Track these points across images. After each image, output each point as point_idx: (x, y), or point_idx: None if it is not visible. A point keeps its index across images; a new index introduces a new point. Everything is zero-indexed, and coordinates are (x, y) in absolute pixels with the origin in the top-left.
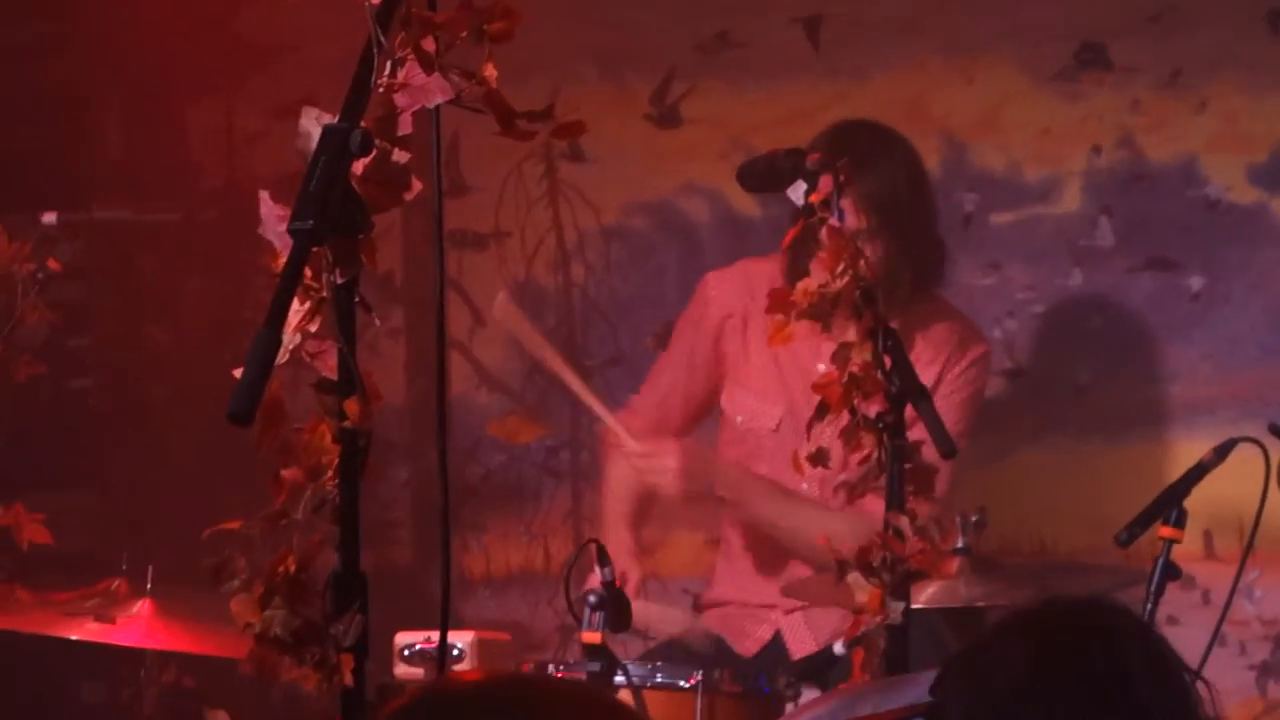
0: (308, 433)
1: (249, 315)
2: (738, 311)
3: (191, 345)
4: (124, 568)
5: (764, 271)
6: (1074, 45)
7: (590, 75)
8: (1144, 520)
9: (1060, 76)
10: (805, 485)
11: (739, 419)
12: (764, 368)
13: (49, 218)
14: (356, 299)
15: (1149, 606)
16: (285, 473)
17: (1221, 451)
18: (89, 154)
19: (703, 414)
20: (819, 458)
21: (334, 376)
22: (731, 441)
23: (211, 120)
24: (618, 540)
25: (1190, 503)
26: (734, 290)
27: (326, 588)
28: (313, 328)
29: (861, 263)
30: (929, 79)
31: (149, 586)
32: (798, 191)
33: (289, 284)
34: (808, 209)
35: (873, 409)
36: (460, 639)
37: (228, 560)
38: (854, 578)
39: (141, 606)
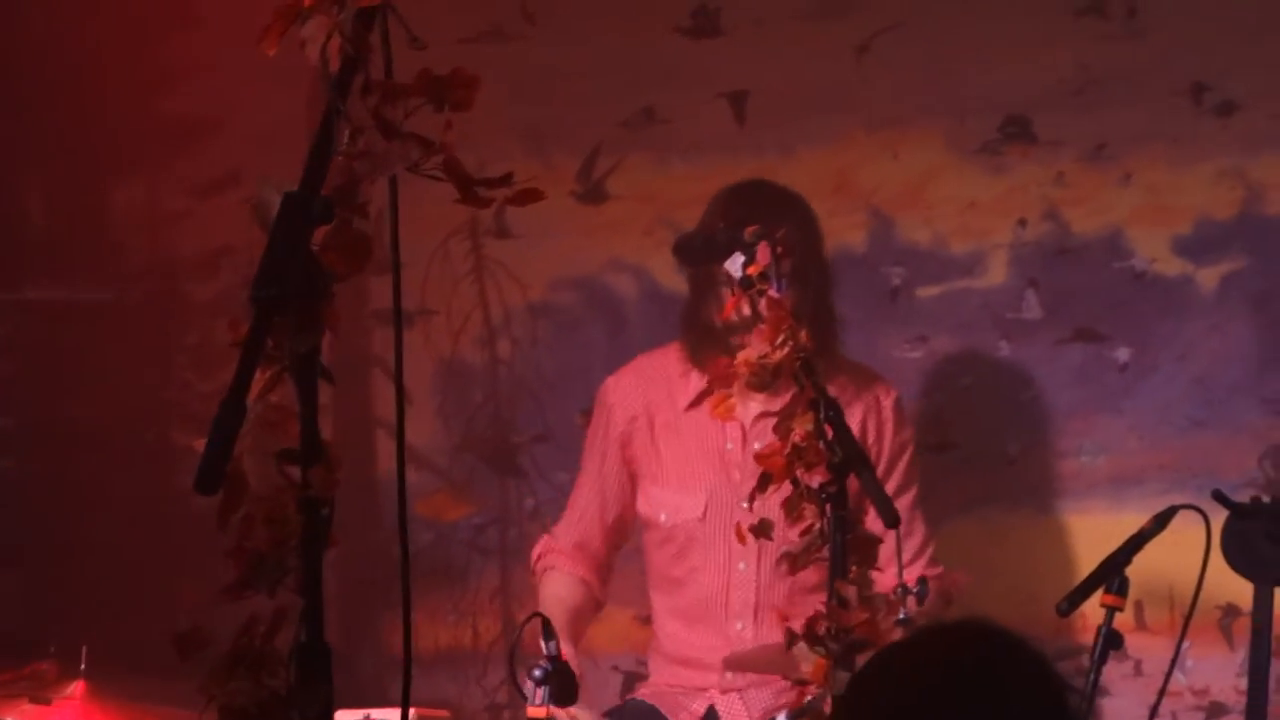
0: (270, 503)
1: (173, 395)
2: (640, 412)
3: (116, 424)
4: (52, 650)
5: (659, 366)
6: (998, 119)
7: (515, 151)
8: (1085, 589)
9: (985, 150)
10: (743, 565)
11: (662, 518)
12: (678, 460)
13: None
14: (318, 368)
15: (1091, 676)
16: (247, 544)
17: (1162, 519)
18: (15, 233)
19: (624, 531)
20: (762, 529)
21: (295, 445)
22: (660, 541)
23: (135, 198)
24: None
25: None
26: (633, 391)
27: (290, 659)
28: (274, 397)
29: (801, 332)
30: (855, 153)
31: (83, 668)
32: (735, 264)
33: (252, 352)
34: (745, 281)
35: (815, 479)
36: (395, 717)
37: (195, 632)
38: (800, 648)
39: (75, 688)
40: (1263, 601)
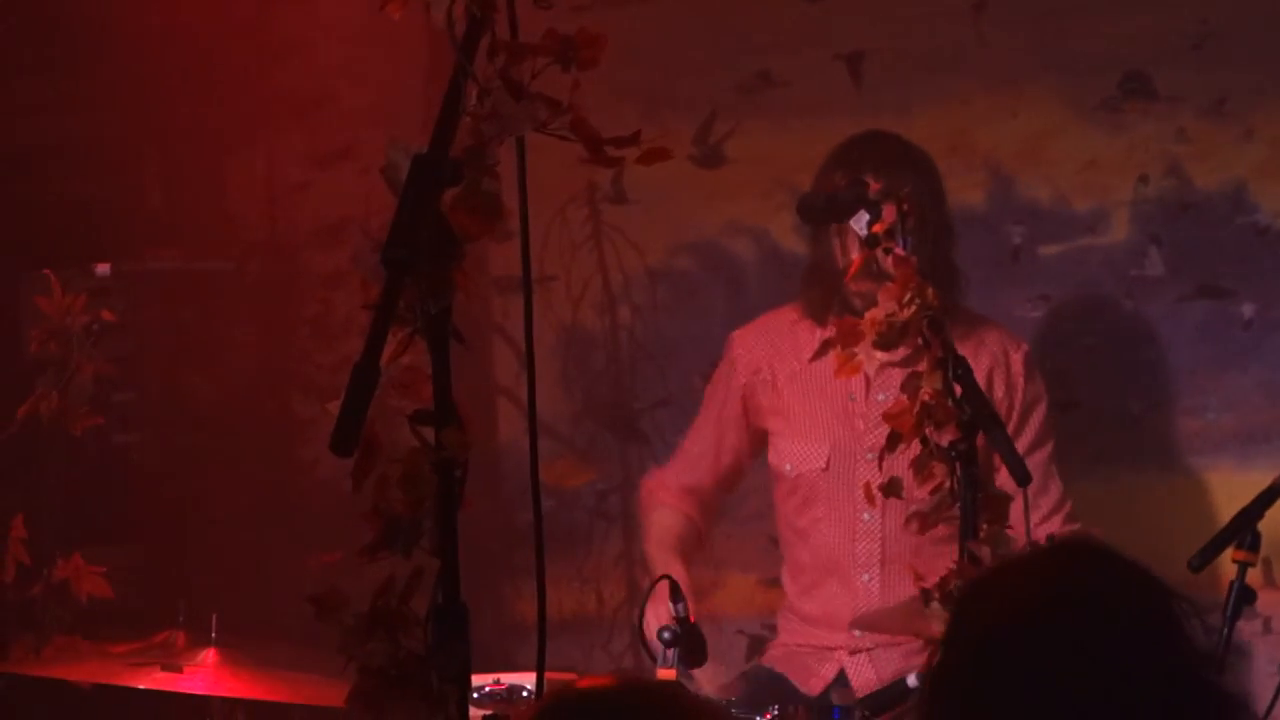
0: (406, 464)
1: (293, 366)
2: (765, 366)
3: (237, 395)
4: (181, 619)
5: (784, 322)
6: (1117, 75)
7: (632, 116)
8: (1217, 545)
9: (1104, 107)
10: (867, 515)
11: (788, 468)
12: (802, 412)
13: (103, 269)
14: (450, 329)
15: (1225, 631)
16: (382, 506)
17: None
18: (134, 207)
19: (735, 478)
20: (892, 488)
21: (428, 407)
22: (787, 493)
23: (252, 171)
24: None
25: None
26: (758, 345)
27: (427, 619)
28: (406, 359)
29: (929, 291)
30: (973, 113)
31: (213, 635)
32: (861, 222)
33: (384, 315)
34: (871, 239)
35: (944, 438)
36: (527, 681)
37: (331, 593)
38: (934, 607)
39: (206, 655)
40: None
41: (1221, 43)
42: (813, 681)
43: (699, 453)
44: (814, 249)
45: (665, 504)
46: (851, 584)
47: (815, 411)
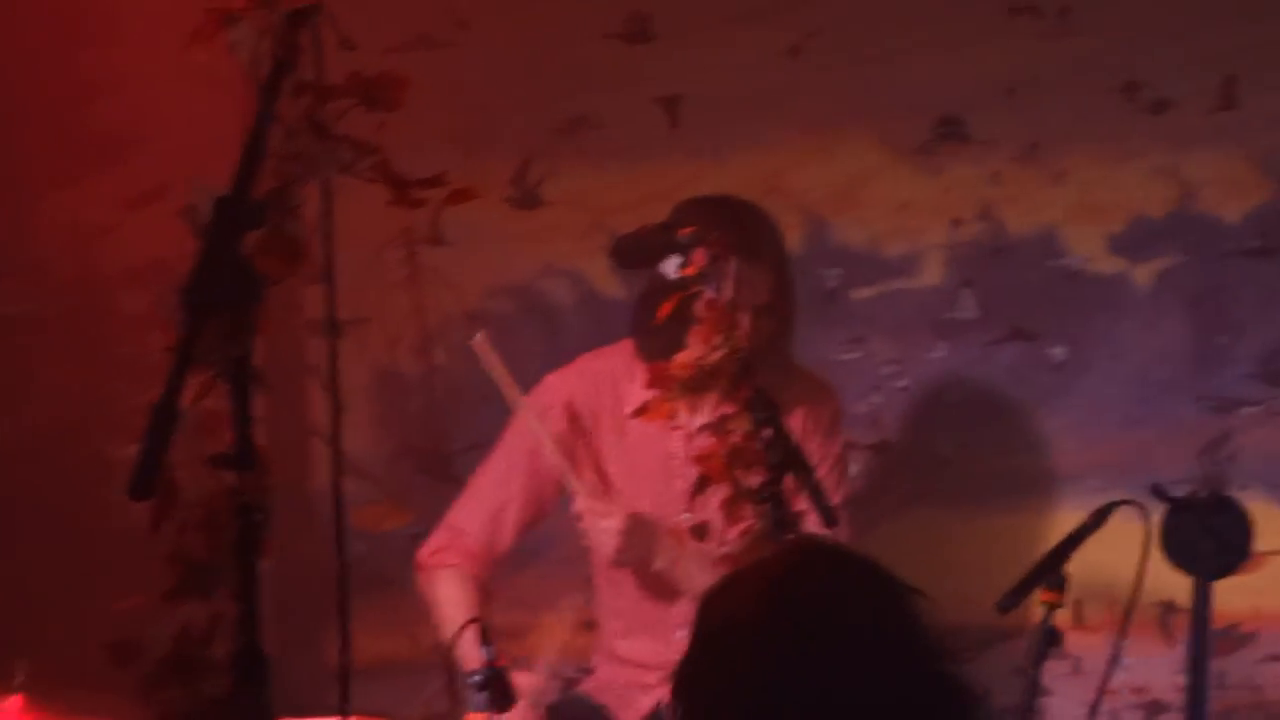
0: (206, 507)
1: (105, 407)
2: (583, 414)
3: (49, 437)
4: None
5: (605, 367)
6: (932, 119)
7: (449, 159)
8: (1025, 586)
9: (919, 151)
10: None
11: (592, 516)
12: (620, 466)
13: None
14: (251, 373)
15: (1032, 673)
16: (182, 550)
17: (1100, 515)
18: None
19: (535, 528)
20: (700, 531)
21: (228, 450)
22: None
23: (61, 213)
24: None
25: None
26: (576, 392)
27: (228, 666)
28: (207, 402)
29: (738, 333)
30: (788, 156)
31: (20, 681)
32: (671, 266)
33: (184, 357)
34: (681, 283)
35: (754, 480)
36: None
37: (130, 640)
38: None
39: (12, 703)
40: (1201, 596)
41: (1034, 88)
42: (627, 713)
43: (500, 504)
44: (645, 292)
45: (457, 566)
46: (667, 638)
47: (634, 468)
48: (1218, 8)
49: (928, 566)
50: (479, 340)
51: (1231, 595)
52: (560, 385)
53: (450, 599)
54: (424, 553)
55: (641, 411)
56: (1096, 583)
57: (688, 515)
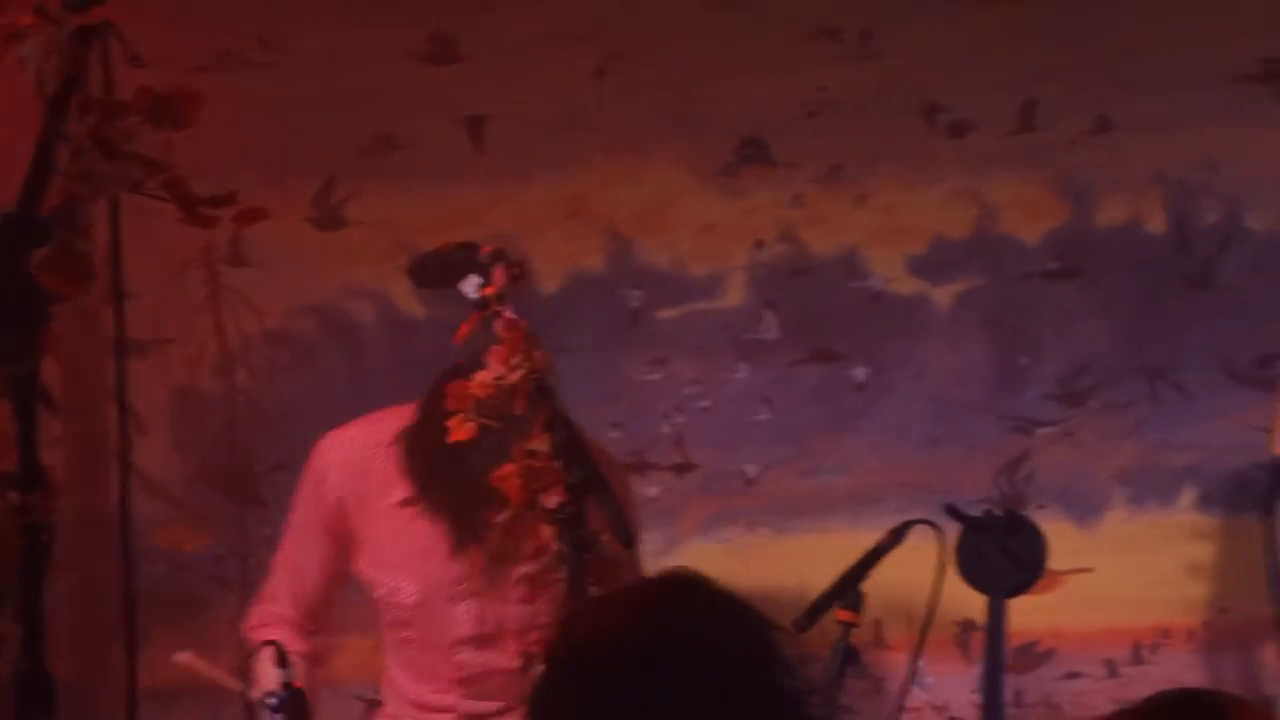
0: None
1: None
2: (353, 490)
3: None
4: None
5: (379, 440)
6: (735, 141)
7: (252, 179)
8: (821, 605)
9: (722, 172)
10: (465, 606)
11: (379, 593)
12: (393, 543)
13: None
14: (37, 392)
15: (832, 693)
16: None
17: (897, 534)
18: None
19: (346, 578)
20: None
21: (14, 470)
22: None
23: None
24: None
25: (875, 596)
26: (349, 466)
27: (12, 689)
28: None
29: (536, 354)
30: (593, 177)
31: None
32: (470, 285)
33: None
34: (481, 302)
35: (552, 500)
36: None
37: None
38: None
39: None
40: (995, 613)
41: (836, 111)
42: None
43: (301, 568)
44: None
45: (271, 639)
46: (452, 678)
47: (408, 547)
48: (1017, 32)
49: (733, 586)
50: (185, 657)
51: (1030, 613)
52: (331, 454)
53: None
54: (246, 626)
55: (411, 502)
56: (897, 602)
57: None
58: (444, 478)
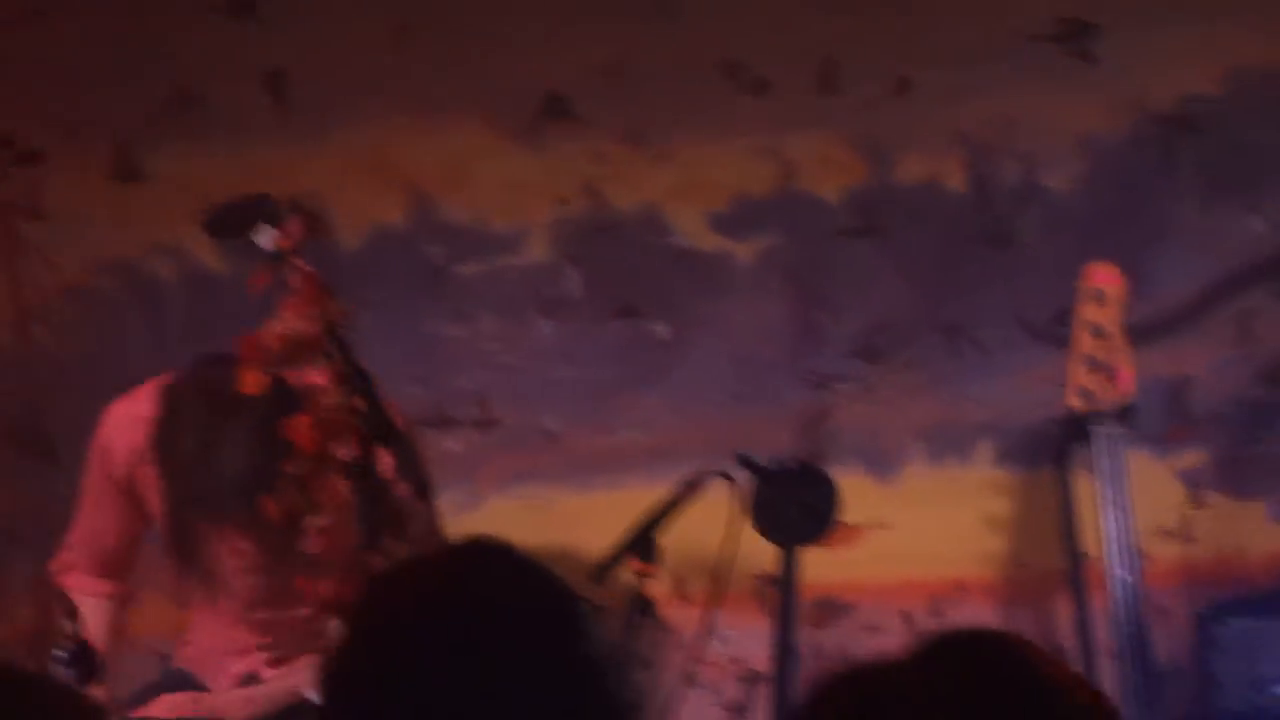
0: None
1: None
2: (138, 460)
3: None
4: None
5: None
6: (538, 99)
7: (51, 135)
8: (616, 557)
9: (525, 129)
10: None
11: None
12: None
13: None
14: None
15: (625, 642)
16: None
17: (689, 485)
18: None
19: (149, 528)
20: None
21: None
22: None
23: None
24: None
25: (663, 545)
26: (139, 429)
27: None
28: None
29: (331, 306)
30: (394, 134)
31: None
32: (265, 236)
33: None
34: (276, 254)
35: (345, 452)
36: None
37: None
38: (336, 624)
39: None
40: (788, 565)
41: (637, 69)
42: (221, 679)
43: (99, 527)
44: None
45: (83, 593)
46: (249, 641)
47: None
48: None
49: (535, 542)
50: None
51: (829, 568)
52: (119, 420)
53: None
54: (53, 566)
55: None
56: (696, 557)
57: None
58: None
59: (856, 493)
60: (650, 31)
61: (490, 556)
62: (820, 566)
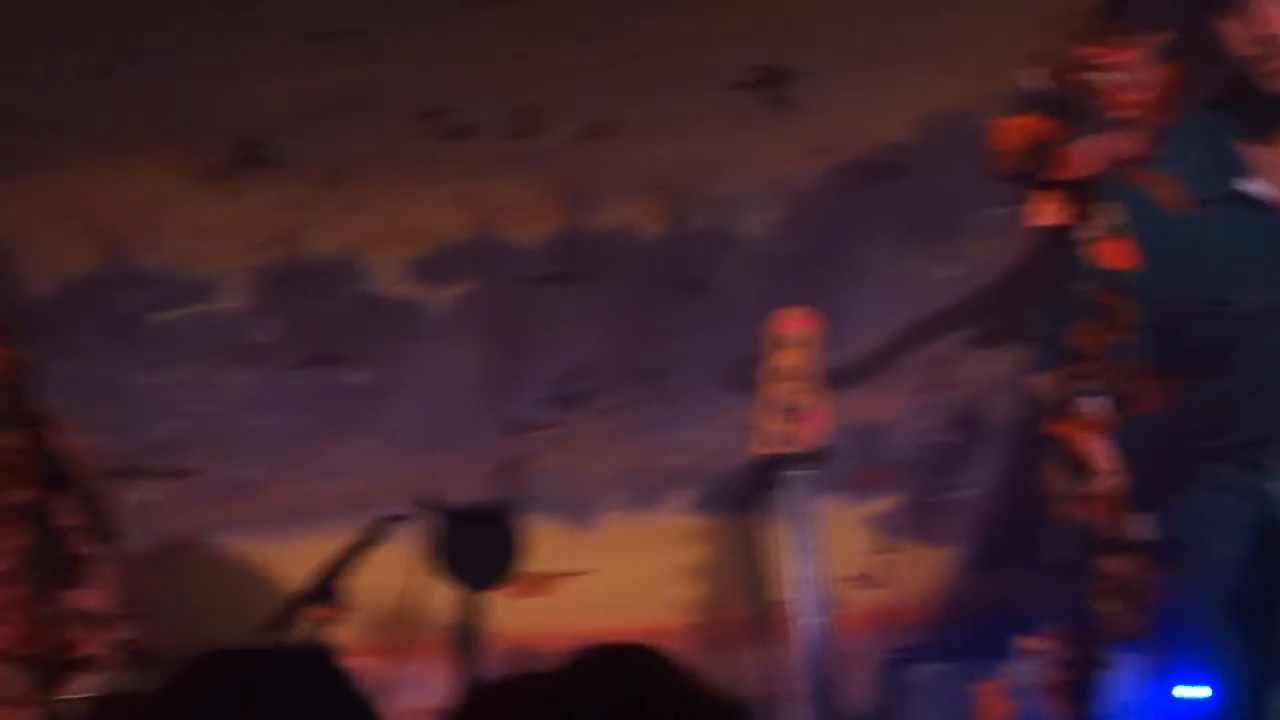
0: None
1: None
2: None
3: None
4: None
5: None
6: (235, 143)
7: None
8: (298, 602)
9: (222, 174)
10: None
11: None
12: None
13: None
14: None
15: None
16: None
17: (373, 529)
18: None
19: None
20: None
21: None
22: None
23: None
24: None
25: (361, 595)
26: None
27: None
28: None
29: (5, 350)
30: (89, 177)
31: None
32: None
33: None
34: None
35: (19, 496)
36: None
37: None
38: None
39: None
40: (471, 608)
41: (337, 113)
42: None
43: None
44: None
45: None
46: None
47: None
48: (517, 35)
49: (229, 590)
50: None
51: (526, 616)
52: None
53: None
54: None
55: None
56: (388, 603)
57: None
58: None
59: (553, 540)
60: (350, 76)
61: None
62: (515, 615)
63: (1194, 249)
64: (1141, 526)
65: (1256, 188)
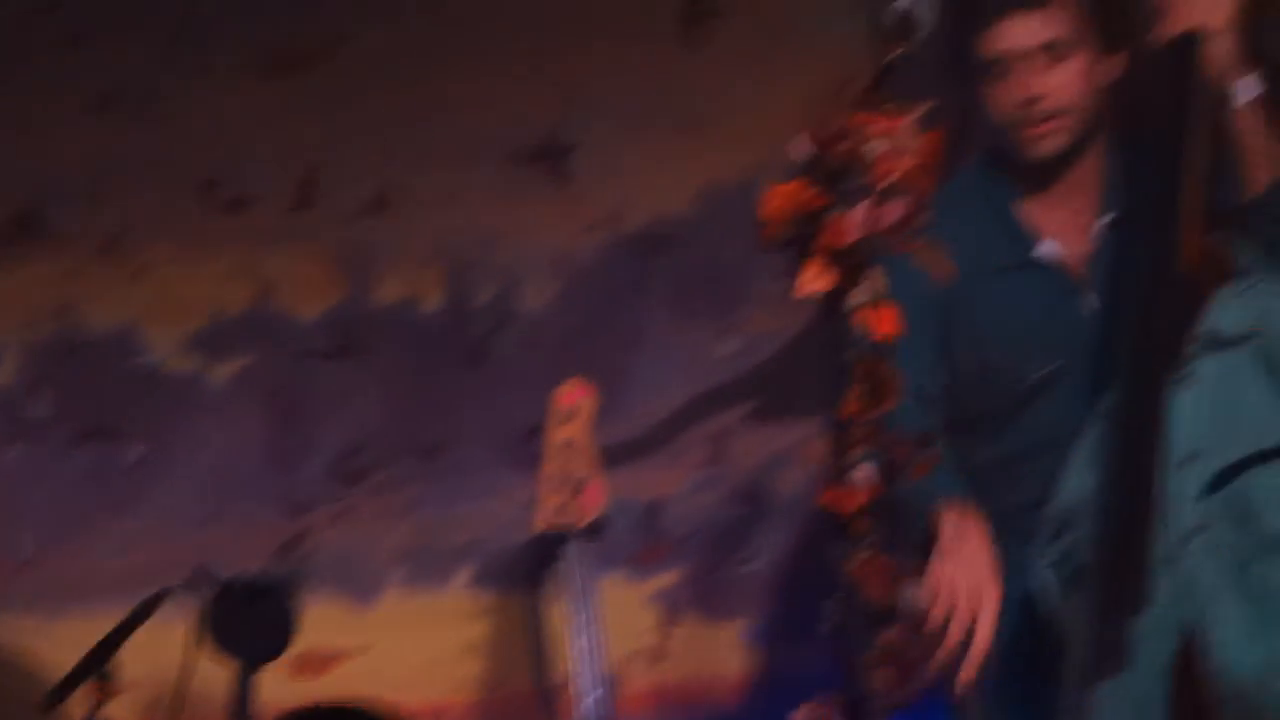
0: None
1: None
2: None
3: None
4: None
5: None
6: (8, 213)
7: None
8: (69, 681)
9: None
10: None
11: None
12: None
13: None
14: None
15: None
16: None
17: (147, 603)
18: None
19: None
20: None
21: None
22: None
23: None
24: None
25: (134, 672)
26: None
27: None
28: None
29: None
30: None
31: None
32: None
33: None
34: None
35: None
36: None
37: None
38: None
39: None
40: (245, 682)
41: (115, 181)
42: None
43: None
44: None
45: None
46: None
47: None
48: (297, 103)
49: (7, 671)
50: None
51: (308, 694)
52: None
53: None
54: None
55: None
56: (159, 681)
57: None
58: None
59: (334, 617)
60: (128, 144)
61: None
62: (295, 693)
63: (985, 314)
64: (913, 595)
65: (1045, 249)
